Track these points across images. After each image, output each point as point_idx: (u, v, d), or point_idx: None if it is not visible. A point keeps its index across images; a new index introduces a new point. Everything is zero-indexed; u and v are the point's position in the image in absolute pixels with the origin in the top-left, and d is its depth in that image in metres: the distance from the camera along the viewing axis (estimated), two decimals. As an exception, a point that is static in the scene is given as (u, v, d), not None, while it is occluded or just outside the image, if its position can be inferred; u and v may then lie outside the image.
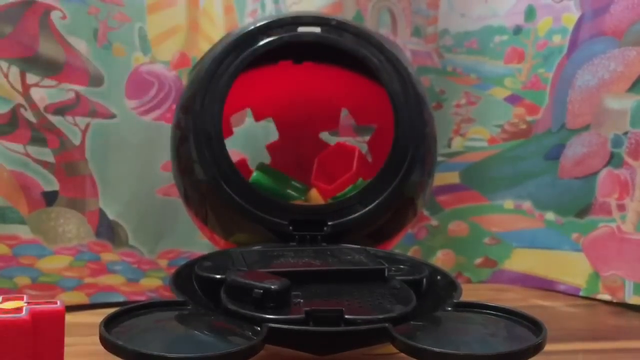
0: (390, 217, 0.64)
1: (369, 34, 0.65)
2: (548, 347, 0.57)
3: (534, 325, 0.46)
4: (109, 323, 0.42)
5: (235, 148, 0.75)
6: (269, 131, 0.79)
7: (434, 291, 0.54)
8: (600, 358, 0.59)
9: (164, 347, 0.41)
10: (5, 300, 0.43)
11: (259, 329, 0.43)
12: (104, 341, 0.40)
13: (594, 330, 0.68)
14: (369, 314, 0.45)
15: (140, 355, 0.39)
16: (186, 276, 0.53)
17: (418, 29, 0.85)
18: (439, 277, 0.56)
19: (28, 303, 0.43)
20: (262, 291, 0.45)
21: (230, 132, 0.74)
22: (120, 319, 0.44)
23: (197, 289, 0.52)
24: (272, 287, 0.45)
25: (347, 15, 0.80)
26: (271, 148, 0.78)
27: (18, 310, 0.41)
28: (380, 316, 0.45)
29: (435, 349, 0.41)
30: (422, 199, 0.67)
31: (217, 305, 0.48)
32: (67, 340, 0.43)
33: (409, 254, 0.83)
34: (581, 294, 0.77)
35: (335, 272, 0.52)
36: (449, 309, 0.49)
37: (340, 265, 0.54)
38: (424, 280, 0.54)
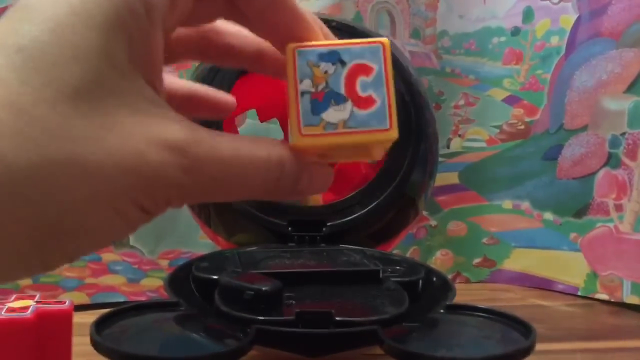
0: (391, 217, 0.64)
1: (369, 35, 0.65)
2: (546, 346, 0.58)
3: (524, 328, 0.46)
4: (100, 324, 0.42)
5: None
6: (269, 132, 0.79)
7: (429, 293, 0.53)
8: (598, 357, 0.59)
9: (153, 348, 0.42)
10: (16, 299, 0.44)
11: (248, 330, 0.42)
12: (94, 343, 0.40)
13: (592, 330, 0.68)
14: (359, 315, 0.45)
15: (126, 356, 0.39)
16: (183, 277, 0.53)
17: (417, 31, 0.85)
18: (434, 279, 0.55)
19: (37, 302, 0.43)
20: (253, 293, 0.45)
21: (235, 133, 0.74)
22: (113, 320, 0.44)
23: (193, 289, 0.52)
24: (263, 288, 0.45)
25: (346, 16, 0.80)
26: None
27: (24, 309, 0.42)
28: (371, 318, 0.45)
29: (420, 352, 0.41)
30: (424, 200, 0.66)
31: (213, 306, 0.48)
32: (69, 340, 0.43)
33: (408, 254, 0.83)
34: (579, 293, 0.77)
35: (329, 273, 0.52)
36: (442, 311, 0.49)
37: (335, 267, 0.54)
38: (420, 281, 0.54)
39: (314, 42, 0.31)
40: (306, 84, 0.31)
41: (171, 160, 0.27)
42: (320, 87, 0.31)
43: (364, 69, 0.31)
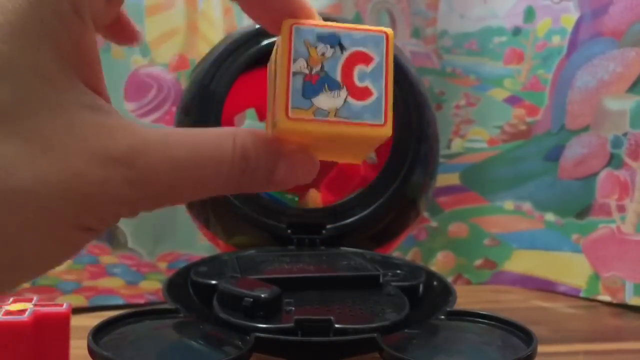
0: (392, 219, 0.63)
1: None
2: (548, 349, 0.57)
3: (526, 335, 0.45)
4: (98, 332, 0.42)
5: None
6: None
7: (429, 297, 0.53)
8: (600, 359, 0.59)
9: (152, 357, 0.41)
10: (14, 301, 0.44)
11: (247, 338, 0.42)
12: (91, 352, 0.40)
13: (595, 332, 0.68)
14: (359, 323, 0.45)
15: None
16: (182, 282, 0.53)
17: (417, 30, 0.85)
18: (435, 283, 0.55)
19: (35, 305, 0.43)
20: (252, 300, 0.45)
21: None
22: (111, 328, 0.44)
23: (192, 294, 0.52)
24: (262, 296, 0.45)
25: (346, 16, 0.79)
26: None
27: (22, 312, 0.41)
28: (370, 325, 0.44)
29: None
30: (425, 200, 0.66)
31: (212, 312, 0.48)
32: (67, 343, 0.43)
33: (409, 255, 0.83)
34: (581, 295, 0.76)
35: (328, 278, 0.52)
36: (442, 317, 0.48)
37: (334, 272, 0.53)
38: (420, 286, 0.53)
39: (312, 21, 0.30)
40: (300, 65, 0.29)
41: (116, 176, 0.25)
42: (315, 70, 0.29)
43: (364, 58, 0.29)
